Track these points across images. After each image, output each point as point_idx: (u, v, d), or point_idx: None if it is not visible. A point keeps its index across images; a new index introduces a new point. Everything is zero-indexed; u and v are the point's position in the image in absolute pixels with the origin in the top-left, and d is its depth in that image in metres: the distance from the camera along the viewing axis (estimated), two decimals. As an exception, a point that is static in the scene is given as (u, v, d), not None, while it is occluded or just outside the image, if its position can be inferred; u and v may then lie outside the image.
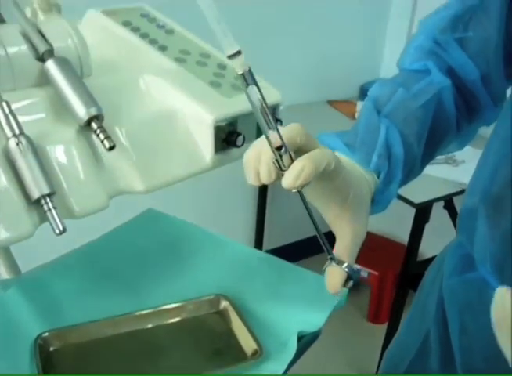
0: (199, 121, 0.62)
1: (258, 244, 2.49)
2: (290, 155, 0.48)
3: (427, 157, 0.70)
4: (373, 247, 2.50)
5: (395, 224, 2.39)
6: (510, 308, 0.38)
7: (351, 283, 0.54)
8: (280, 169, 0.48)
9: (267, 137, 0.48)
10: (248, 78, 0.46)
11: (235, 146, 0.63)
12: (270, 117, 0.47)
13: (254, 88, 0.46)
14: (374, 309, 2.34)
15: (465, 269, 0.67)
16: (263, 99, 0.47)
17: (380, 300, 2.32)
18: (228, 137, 0.63)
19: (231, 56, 0.45)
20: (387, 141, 0.64)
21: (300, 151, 0.49)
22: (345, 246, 0.55)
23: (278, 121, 0.68)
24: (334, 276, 0.53)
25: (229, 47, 0.44)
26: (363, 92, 2.38)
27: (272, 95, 0.68)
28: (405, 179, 0.67)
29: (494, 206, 0.61)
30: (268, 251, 2.79)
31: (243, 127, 0.65)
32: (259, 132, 0.66)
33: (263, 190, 2.37)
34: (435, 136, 0.69)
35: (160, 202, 0.94)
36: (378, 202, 0.63)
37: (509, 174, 0.60)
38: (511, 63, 0.65)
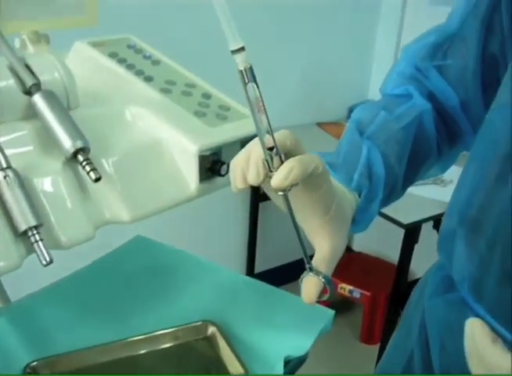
0: (183, 150, 0.64)
1: (250, 265, 2.50)
2: (280, 156, 0.49)
3: (409, 178, 0.72)
4: (365, 268, 2.51)
5: (387, 244, 2.40)
6: (479, 341, 0.40)
7: (327, 295, 0.55)
8: (269, 170, 0.49)
9: (260, 135, 0.49)
10: (248, 75, 0.47)
11: (219, 174, 0.64)
12: (266, 117, 0.49)
13: (253, 85, 0.48)
14: (367, 329, 2.34)
15: (446, 289, 0.68)
16: (261, 97, 0.48)
17: (372, 320, 2.32)
18: (212, 166, 0.64)
19: (234, 51, 0.46)
20: (369, 161, 0.66)
21: (288, 155, 0.50)
22: (323, 258, 0.56)
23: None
24: (310, 286, 0.54)
25: (234, 42, 0.46)
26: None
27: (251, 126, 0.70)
28: (387, 200, 0.69)
29: (471, 228, 0.63)
30: (260, 273, 2.80)
31: (227, 156, 0.66)
32: (243, 161, 0.68)
33: (254, 212, 2.39)
34: (416, 158, 0.71)
35: (151, 227, 0.95)
36: (359, 221, 0.65)
37: (485, 197, 0.62)
38: (490, 91, 0.67)
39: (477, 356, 0.40)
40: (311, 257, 0.56)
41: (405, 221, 1.73)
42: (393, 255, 2.25)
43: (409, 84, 0.75)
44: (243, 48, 0.47)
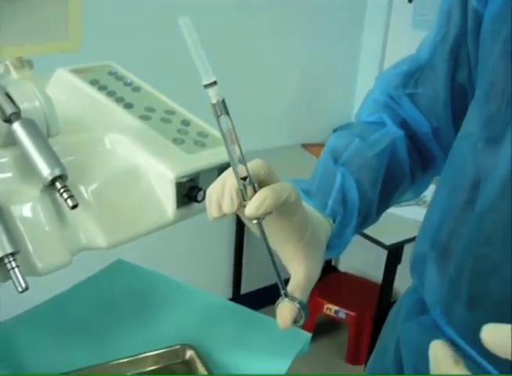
0: (161, 177, 0.65)
1: (237, 286, 2.50)
2: (254, 186, 0.51)
3: (383, 204, 0.73)
4: (350, 288, 2.52)
5: (371, 264, 2.42)
6: (442, 362, 0.41)
7: (302, 320, 0.56)
8: (243, 199, 0.51)
9: (234, 166, 0.51)
10: (221, 109, 0.49)
11: (196, 201, 0.65)
12: (239, 148, 0.50)
13: (226, 118, 0.49)
14: (353, 349, 2.34)
15: (419, 312, 0.70)
16: (233, 129, 0.50)
17: (358, 341, 2.33)
18: (189, 192, 0.65)
19: (207, 86, 0.48)
20: (343, 187, 0.67)
21: (262, 184, 0.52)
22: (298, 283, 0.57)
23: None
24: (285, 312, 0.55)
25: (206, 77, 0.48)
26: (337, 135, 2.43)
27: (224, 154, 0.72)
28: (361, 225, 0.70)
29: (442, 252, 0.64)
30: (246, 294, 2.80)
31: (204, 182, 0.67)
32: (220, 187, 0.69)
33: (240, 232, 2.39)
34: (390, 184, 0.73)
35: (135, 250, 0.96)
36: (334, 247, 0.66)
37: (454, 222, 0.64)
38: (460, 119, 0.69)
39: None
40: (287, 282, 0.57)
41: (388, 242, 1.75)
42: (378, 275, 2.27)
43: (382, 112, 0.77)
44: (215, 83, 0.48)
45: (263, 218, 0.52)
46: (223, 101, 0.49)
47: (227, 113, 0.49)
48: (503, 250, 0.56)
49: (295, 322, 0.56)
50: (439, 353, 0.41)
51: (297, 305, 0.55)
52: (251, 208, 0.50)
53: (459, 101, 0.72)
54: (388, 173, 0.72)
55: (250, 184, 0.51)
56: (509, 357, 0.36)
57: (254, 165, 0.52)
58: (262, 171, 0.53)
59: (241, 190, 0.51)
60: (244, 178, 0.51)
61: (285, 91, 2.41)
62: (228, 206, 0.52)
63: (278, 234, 0.57)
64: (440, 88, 0.73)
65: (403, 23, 2.51)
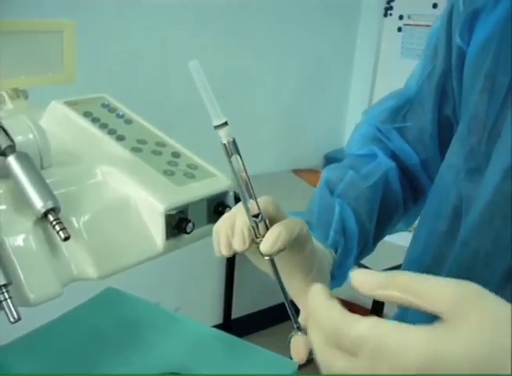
0: (151, 209, 0.67)
1: (227, 311, 2.50)
2: (266, 223, 0.51)
3: (378, 235, 0.75)
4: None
5: (362, 289, 2.42)
6: (315, 299, 0.42)
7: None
8: (256, 236, 0.51)
9: (245, 203, 0.50)
10: (232, 149, 0.49)
11: (185, 232, 0.67)
12: (250, 186, 0.50)
13: (237, 157, 0.49)
14: (343, 375, 2.34)
15: None
16: (244, 168, 0.50)
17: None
18: (178, 224, 0.67)
19: (218, 127, 0.48)
20: (342, 218, 0.69)
21: (271, 221, 0.52)
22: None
23: (227, 207, 0.72)
24: (299, 346, 0.55)
25: (217, 118, 0.48)
26: (328, 161, 2.47)
27: (221, 183, 0.73)
28: (360, 255, 0.72)
29: None
30: (237, 319, 2.78)
31: (193, 214, 0.69)
32: (209, 218, 0.71)
33: (231, 257, 2.40)
34: (385, 214, 0.75)
35: (128, 276, 0.96)
36: (336, 277, 0.67)
37: (436, 251, 0.66)
38: (446, 150, 0.71)
39: (312, 315, 0.43)
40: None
41: (378, 268, 1.76)
42: (367, 300, 2.27)
43: (372, 145, 0.79)
44: (226, 123, 0.48)
45: (275, 255, 0.52)
46: (234, 141, 0.49)
47: (238, 152, 0.49)
48: (484, 277, 0.58)
49: (309, 355, 0.55)
50: (314, 292, 0.43)
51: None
52: (267, 245, 0.50)
53: (445, 133, 0.74)
54: (383, 204, 0.74)
55: (262, 221, 0.51)
56: (373, 294, 0.40)
57: (264, 202, 0.53)
58: (271, 208, 0.53)
59: (253, 228, 0.51)
60: (255, 216, 0.51)
61: (275, 116, 2.44)
62: (240, 244, 0.52)
63: (287, 269, 0.57)
64: (427, 121, 0.75)
65: (392, 52, 2.56)
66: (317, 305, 0.42)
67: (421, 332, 0.37)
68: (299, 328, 0.56)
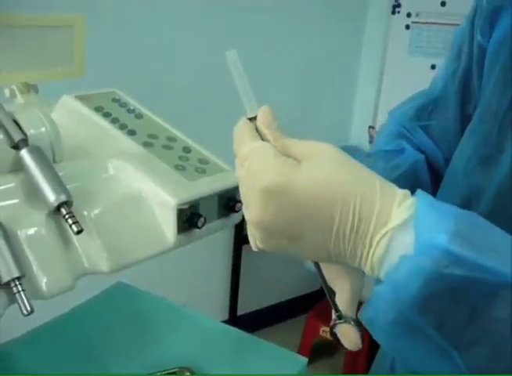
0: (162, 204, 0.67)
1: (233, 307, 2.50)
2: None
3: None
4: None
5: (368, 287, 2.43)
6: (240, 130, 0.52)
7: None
8: None
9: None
10: None
11: (196, 227, 0.67)
12: None
13: None
14: (349, 373, 2.34)
15: None
16: None
17: (354, 364, 2.33)
18: (190, 219, 0.67)
19: (252, 119, 0.53)
20: None
21: None
22: (346, 301, 0.57)
23: (238, 202, 0.72)
24: (351, 334, 0.55)
25: (251, 111, 0.53)
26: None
27: (232, 178, 0.73)
28: None
29: None
30: (242, 315, 2.78)
31: (204, 208, 0.69)
32: (220, 213, 0.72)
33: (237, 254, 2.40)
34: None
35: (133, 272, 0.96)
36: None
37: None
38: None
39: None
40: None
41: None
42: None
43: (399, 140, 0.80)
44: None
45: None
46: None
47: None
48: None
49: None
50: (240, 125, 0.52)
51: (354, 325, 0.55)
52: None
53: None
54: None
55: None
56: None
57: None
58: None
59: None
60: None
61: (280, 112, 2.43)
62: None
63: None
64: (451, 120, 0.76)
65: (400, 50, 2.56)
66: (239, 127, 0.52)
67: (281, 165, 0.47)
68: (340, 317, 0.55)
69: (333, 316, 0.56)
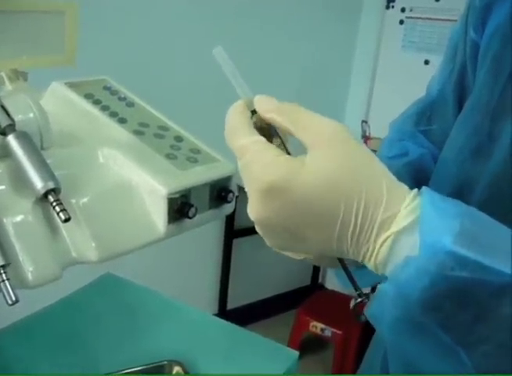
0: (153, 193, 0.65)
1: (222, 302, 2.49)
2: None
3: None
4: (336, 306, 2.52)
5: (359, 282, 2.42)
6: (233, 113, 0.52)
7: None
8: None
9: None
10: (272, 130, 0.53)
11: (187, 217, 0.66)
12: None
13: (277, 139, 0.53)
14: (338, 367, 2.34)
15: None
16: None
17: (343, 358, 2.32)
18: (180, 208, 0.66)
19: (253, 112, 0.52)
20: None
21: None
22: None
23: (230, 192, 0.71)
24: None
25: (250, 104, 0.53)
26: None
27: (224, 168, 0.72)
28: None
29: None
30: (232, 310, 2.79)
31: (195, 198, 0.68)
32: (211, 204, 0.70)
33: (228, 248, 2.39)
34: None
35: (122, 264, 0.95)
36: None
37: None
38: None
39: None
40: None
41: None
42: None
43: (402, 142, 0.80)
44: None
45: None
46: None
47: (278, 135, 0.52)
48: None
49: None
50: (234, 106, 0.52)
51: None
52: None
53: None
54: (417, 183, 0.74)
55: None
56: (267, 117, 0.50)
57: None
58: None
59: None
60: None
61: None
62: None
63: None
64: (451, 121, 0.75)
65: (394, 45, 2.55)
66: (230, 114, 0.52)
67: (281, 163, 0.46)
68: (360, 295, 0.55)
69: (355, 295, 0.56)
